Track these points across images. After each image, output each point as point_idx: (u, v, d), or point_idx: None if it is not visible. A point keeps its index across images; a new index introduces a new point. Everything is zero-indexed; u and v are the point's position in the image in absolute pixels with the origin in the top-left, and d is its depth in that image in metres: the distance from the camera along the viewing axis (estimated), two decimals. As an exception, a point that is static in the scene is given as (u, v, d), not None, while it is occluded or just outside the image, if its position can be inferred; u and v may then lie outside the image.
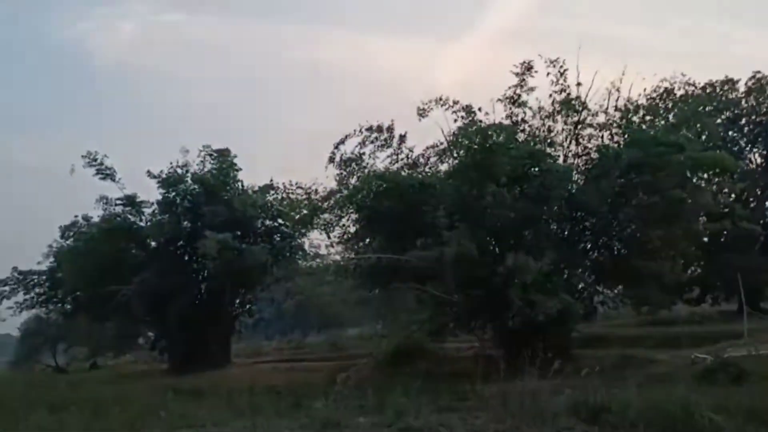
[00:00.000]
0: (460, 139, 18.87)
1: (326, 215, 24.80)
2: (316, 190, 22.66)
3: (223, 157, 32.48)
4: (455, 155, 19.63)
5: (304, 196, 31.43)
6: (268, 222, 33.31)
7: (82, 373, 37.37)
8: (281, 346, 48.06)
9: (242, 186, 32.98)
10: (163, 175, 31.90)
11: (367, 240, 23.45)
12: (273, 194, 33.08)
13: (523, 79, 20.54)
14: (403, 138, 20.92)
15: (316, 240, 32.10)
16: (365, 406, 14.10)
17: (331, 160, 21.47)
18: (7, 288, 33.21)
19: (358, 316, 49.81)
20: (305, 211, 29.65)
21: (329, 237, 28.86)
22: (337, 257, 28.50)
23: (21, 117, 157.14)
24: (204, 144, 32.64)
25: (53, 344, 45.01)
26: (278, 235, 33.30)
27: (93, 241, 31.37)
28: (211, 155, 32.47)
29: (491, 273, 18.01)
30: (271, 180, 33.21)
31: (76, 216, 33.05)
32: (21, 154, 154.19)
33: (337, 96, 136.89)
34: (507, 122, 20.34)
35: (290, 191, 32.69)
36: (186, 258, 32.66)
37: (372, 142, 20.87)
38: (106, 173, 31.37)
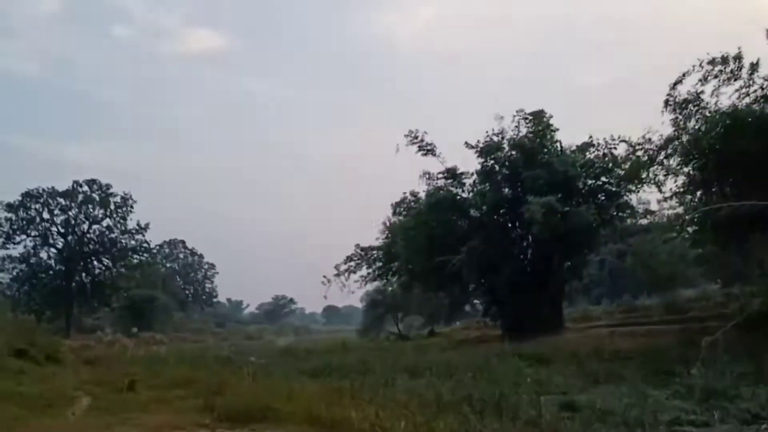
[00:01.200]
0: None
1: (656, 168, 22.78)
2: (650, 139, 20.57)
3: (538, 119, 31.69)
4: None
5: (629, 150, 29.51)
6: (590, 181, 31.72)
7: (423, 339, 39.88)
8: (610, 310, 46.06)
9: (561, 147, 31.86)
10: (481, 145, 32.19)
11: (714, 189, 20.86)
12: (593, 151, 31.46)
13: None
14: (755, 66, 17.91)
15: (644, 196, 30.04)
16: (745, 373, 12.35)
17: (667, 103, 19.29)
18: (352, 263, 36.60)
19: (696, 276, 45.57)
20: (632, 165, 27.86)
21: (661, 191, 26.51)
22: (674, 211, 26.20)
23: (340, 111, 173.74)
24: (517, 109, 32.16)
25: (394, 313, 49.02)
26: (602, 194, 31.59)
27: (421, 215, 33.17)
28: (525, 119, 31.87)
29: None
30: (590, 137, 31.55)
31: (404, 193, 34.99)
32: (341, 146, 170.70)
33: (635, 44, 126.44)
34: None
35: (612, 146, 30.95)
36: (510, 225, 32.72)
37: (715, 76, 18.25)
38: (428, 149, 32.71)
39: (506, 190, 32.11)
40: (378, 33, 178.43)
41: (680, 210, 28.42)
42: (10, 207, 55.61)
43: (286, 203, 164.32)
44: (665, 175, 22.19)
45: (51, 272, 58.94)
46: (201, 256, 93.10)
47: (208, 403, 10.04)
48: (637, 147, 21.01)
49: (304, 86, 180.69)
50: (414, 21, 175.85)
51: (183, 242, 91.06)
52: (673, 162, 19.84)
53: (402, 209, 35.32)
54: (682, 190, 22.76)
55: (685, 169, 20.04)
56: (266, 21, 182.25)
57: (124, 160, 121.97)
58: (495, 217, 32.77)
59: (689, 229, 30.81)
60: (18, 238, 56.54)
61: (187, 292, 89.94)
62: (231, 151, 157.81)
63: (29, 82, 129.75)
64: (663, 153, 19.79)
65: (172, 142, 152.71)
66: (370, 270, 36.89)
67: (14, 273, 59.59)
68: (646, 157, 21.10)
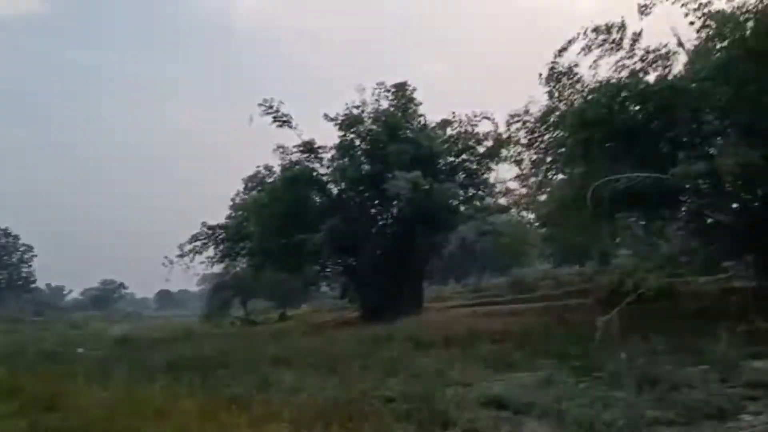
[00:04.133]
0: (724, 27, 15.18)
1: (516, 147, 22.39)
2: (527, 111, 19.74)
3: (400, 91, 30.34)
4: (717, 48, 15.95)
5: (492, 128, 29.10)
6: (451, 158, 30.99)
7: (274, 324, 37.60)
8: (459, 290, 46.36)
9: (425, 122, 30.76)
10: (340, 117, 30.37)
11: (583, 165, 20.48)
12: (456, 128, 30.76)
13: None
14: (637, 36, 17.43)
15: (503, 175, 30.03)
16: (660, 353, 11.49)
17: (551, 73, 18.45)
18: (198, 243, 33.41)
19: (535, 256, 47.12)
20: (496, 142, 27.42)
21: (520, 168, 26.23)
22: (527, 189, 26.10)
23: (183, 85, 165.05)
24: (378, 81, 30.62)
25: (241, 297, 46.08)
26: (463, 171, 31.00)
27: (275, 192, 30.86)
28: (387, 91, 30.41)
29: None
30: (453, 113, 30.78)
31: (257, 167, 32.39)
32: (189, 120, 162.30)
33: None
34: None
35: (474, 123, 30.43)
36: (371, 202, 31.27)
37: (600, 45, 17.58)
38: (283, 120, 30.35)
39: (367, 165, 30.57)
40: (215, 8, 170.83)
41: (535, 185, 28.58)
42: None
43: (117, 181, 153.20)
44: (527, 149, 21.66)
45: None
46: (16, 238, 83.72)
47: (36, 428, 7.28)
48: (514, 119, 20.01)
49: (139, 59, 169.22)
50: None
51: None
52: (552, 135, 19.01)
53: (255, 185, 32.69)
54: (549, 167, 22.29)
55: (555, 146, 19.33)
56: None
57: None
58: (354, 194, 31.19)
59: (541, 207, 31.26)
60: None
61: (0, 277, 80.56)
62: (55, 126, 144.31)
63: None
64: (542, 124, 18.90)
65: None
66: (219, 249, 33.84)
67: None
68: (521, 131, 20.19)
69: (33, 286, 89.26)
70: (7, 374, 12.51)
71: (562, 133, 19.15)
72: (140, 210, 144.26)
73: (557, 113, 18.98)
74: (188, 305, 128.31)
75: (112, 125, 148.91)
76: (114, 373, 14.38)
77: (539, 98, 19.61)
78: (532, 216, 35.90)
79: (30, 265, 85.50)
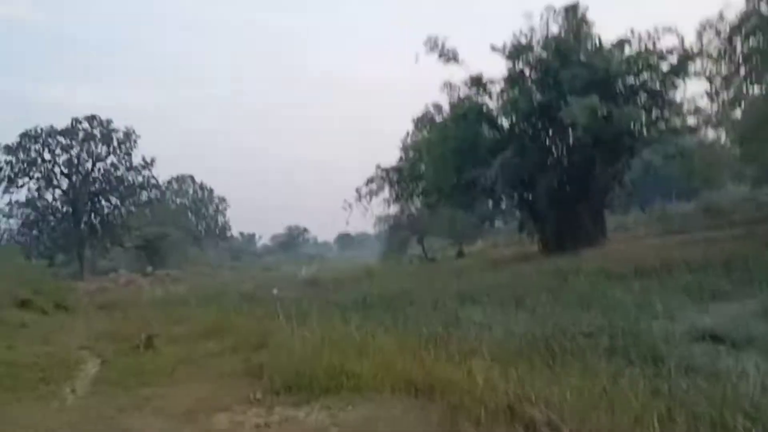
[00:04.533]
0: None
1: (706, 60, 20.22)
2: (721, 17, 17.72)
3: (572, 13, 28.53)
4: None
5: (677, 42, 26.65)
6: (631, 79, 28.83)
7: (452, 261, 37.91)
8: (643, 219, 43.80)
9: (599, 42, 28.78)
10: (508, 47, 29.24)
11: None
12: (634, 46, 28.48)
13: None
14: None
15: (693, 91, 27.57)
16: None
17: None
18: (374, 185, 34.18)
19: (735, 176, 43.24)
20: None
21: (711, 83, 23.93)
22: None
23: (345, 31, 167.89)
24: (546, 5, 28.97)
25: (420, 236, 46.86)
26: (645, 92, 28.78)
27: (446, 129, 30.68)
28: (558, 14, 28.73)
29: None
30: (631, 30, 28.47)
31: (426, 105, 32.22)
32: (348, 68, 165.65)
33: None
34: None
35: (655, 39, 28.04)
36: (545, 133, 30.10)
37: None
38: (450, 56, 29.87)
39: (538, 95, 29.32)
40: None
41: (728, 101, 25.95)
42: (8, 149, 52.87)
43: (294, 130, 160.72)
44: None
45: (58, 214, 56.87)
46: (211, 191, 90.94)
47: (250, 364, 7.80)
48: (706, 28, 18.06)
49: (304, 10, 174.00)
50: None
51: (192, 177, 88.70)
52: (753, 42, 16.94)
53: (424, 124, 32.59)
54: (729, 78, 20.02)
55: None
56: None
57: (121, 98, 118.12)
58: (527, 125, 30.16)
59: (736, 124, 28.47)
60: (21, 181, 54.11)
61: (199, 227, 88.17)
62: (234, 82, 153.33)
63: (18, 24, 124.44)
64: (739, 32, 16.88)
65: (169, 76, 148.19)
66: (393, 191, 34.43)
67: (23, 218, 57.68)
68: (713, 42, 18.21)
69: (228, 234, 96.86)
70: (216, 315, 13.53)
71: (764, 39, 17.08)
72: (317, 158, 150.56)
73: (758, 16, 16.87)
74: (367, 246, 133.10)
75: (286, 75, 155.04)
76: (309, 312, 15.23)
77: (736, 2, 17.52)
78: (724, 135, 32.96)
79: (224, 215, 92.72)
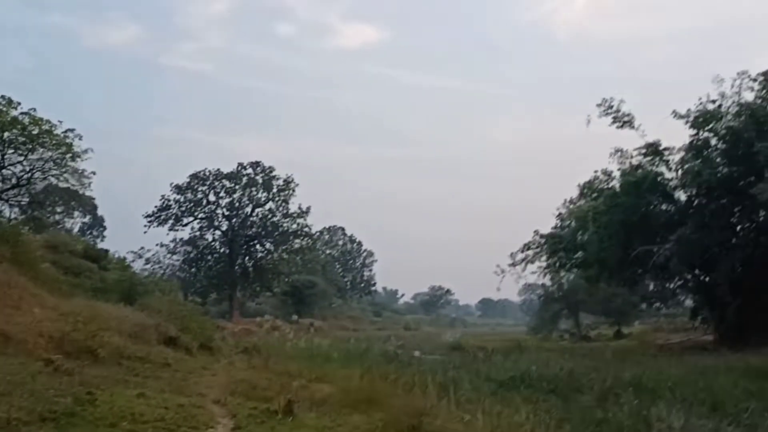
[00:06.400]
0: None
1: None
2: None
3: (770, 80, 25.70)
4: None
5: None
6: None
7: (608, 341, 34.91)
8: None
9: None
10: (693, 114, 26.77)
11: None
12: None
13: None
14: None
15: None
16: None
17: None
18: (530, 252, 32.21)
19: None
20: None
21: None
22: None
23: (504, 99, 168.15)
24: (739, 71, 26.34)
25: (572, 310, 43.87)
26: None
27: (614, 198, 28.55)
28: (753, 80, 26.01)
29: None
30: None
31: (595, 171, 30.13)
32: (513, 132, 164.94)
33: None
34: None
35: None
36: (729, 209, 27.07)
37: None
38: (624, 120, 27.97)
39: (725, 167, 26.52)
40: (536, 20, 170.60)
41: None
42: (178, 189, 56.26)
43: (446, 193, 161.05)
44: None
45: (216, 254, 59.42)
46: (360, 244, 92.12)
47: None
48: None
49: (461, 76, 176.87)
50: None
51: (342, 229, 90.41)
52: None
53: (591, 191, 30.41)
54: None
55: None
56: (422, 12, 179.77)
57: (286, 149, 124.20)
58: (708, 200, 27.25)
59: None
60: (186, 220, 57.23)
61: (345, 279, 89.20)
62: (391, 141, 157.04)
63: (202, 79, 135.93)
64: None
65: (332, 132, 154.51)
66: (552, 260, 32.24)
67: (185, 255, 60.81)
68: None
69: (372, 288, 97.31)
70: (361, 379, 12.38)
71: None
72: (467, 220, 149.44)
73: None
74: (509, 314, 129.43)
75: (435, 140, 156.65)
76: (460, 384, 13.70)
77: None
78: None
79: (371, 269, 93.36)
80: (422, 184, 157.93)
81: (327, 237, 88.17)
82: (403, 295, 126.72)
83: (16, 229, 24.58)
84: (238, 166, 57.79)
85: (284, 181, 58.20)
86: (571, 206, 31.95)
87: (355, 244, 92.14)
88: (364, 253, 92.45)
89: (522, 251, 32.29)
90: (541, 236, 31.97)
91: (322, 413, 8.69)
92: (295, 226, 59.50)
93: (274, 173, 58.17)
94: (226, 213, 58.23)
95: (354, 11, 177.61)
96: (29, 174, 29.64)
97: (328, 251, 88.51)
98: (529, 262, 32.43)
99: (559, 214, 33.13)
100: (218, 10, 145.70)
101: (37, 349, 11.43)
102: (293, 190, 58.53)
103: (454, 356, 25.55)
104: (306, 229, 60.46)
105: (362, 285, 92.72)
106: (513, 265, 32.39)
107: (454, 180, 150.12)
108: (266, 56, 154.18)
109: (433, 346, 32.53)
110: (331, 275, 77.89)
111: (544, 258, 32.32)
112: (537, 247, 32.11)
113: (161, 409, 7.75)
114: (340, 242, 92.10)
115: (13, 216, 31.22)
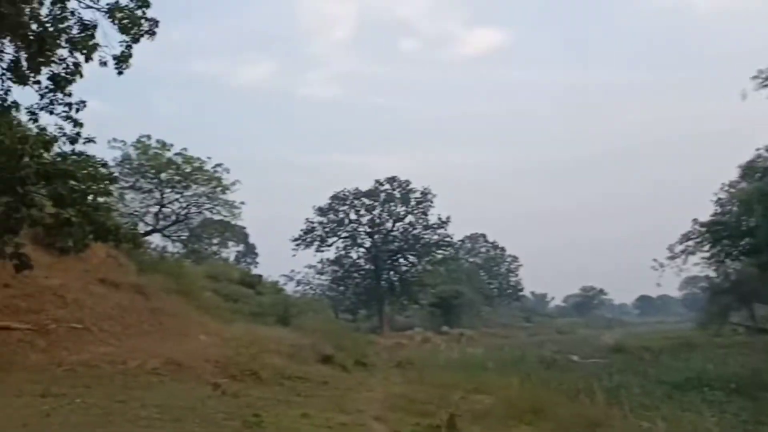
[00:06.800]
0: None
1: None
2: None
3: None
4: None
5: None
6: None
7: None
8: None
9: None
10: None
11: None
12: None
13: None
14: None
15: None
16: None
17: None
18: (690, 243, 29.98)
19: None
20: None
21: None
22: None
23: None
24: None
25: (745, 301, 40.13)
26: None
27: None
28: None
29: None
30: None
31: (756, 149, 27.59)
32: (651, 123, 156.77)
33: None
34: None
35: None
36: None
37: None
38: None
39: None
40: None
41: None
42: (321, 211, 57.94)
43: (587, 191, 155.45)
44: None
45: (362, 271, 60.43)
46: (503, 249, 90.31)
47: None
48: None
49: (589, 68, 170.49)
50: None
51: (484, 236, 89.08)
52: None
53: (754, 172, 27.82)
54: None
55: None
56: (543, 10, 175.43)
57: (420, 162, 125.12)
58: None
59: None
60: (330, 240, 58.71)
61: (491, 286, 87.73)
62: (529, 143, 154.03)
63: (329, 103, 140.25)
64: None
65: (467, 140, 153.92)
66: (716, 249, 29.81)
67: (332, 275, 62.39)
68: None
69: (520, 294, 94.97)
70: (521, 387, 11.85)
71: None
72: (615, 216, 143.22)
73: None
74: (670, 310, 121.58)
75: (574, 138, 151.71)
76: (628, 388, 12.80)
77: None
78: None
79: (516, 275, 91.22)
80: (564, 184, 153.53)
81: (469, 245, 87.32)
82: (553, 298, 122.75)
83: (180, 263, 26.23)
84: (375, 184, 58.65)
85: (421, 193, 58.34)
86: (732, 190, 29.43)
87: (498, 250, 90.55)
88: (509, 259, 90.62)
89: (681, 243, 30.16)
90: (701, 225, 29.68)
91: (487, 427, 8.27)
92: (436, 237, 59.39)
93: (410, 186, 58.48)
94: (368, 230, 59.12)
95: (477, 17, 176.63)
96: (186, 210, 31.60)
97: (471, 259, 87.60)
98: (690, 254, 30.25)
99: (719, 199, 30.66)
100: (341, 36, 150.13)
101: (205, 374, 11.91)
102: (431, 202, 58.55)
103: (616, 359, 24.25)
104: (447, 239, 60.20)
105: (509, 291, 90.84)
106: (672, 258, 30.38)
107: (596, 176, 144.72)
108: (390, 73, 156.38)
109: (591, 350, 31.13)
110: (476, 283, 76.84)
111: (706, 248, 29.99)
112: (697, 237, 29.85)
113: (325, 429, 7.70)
114: (483, 249, 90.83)
115: (175, 250, 33.38)
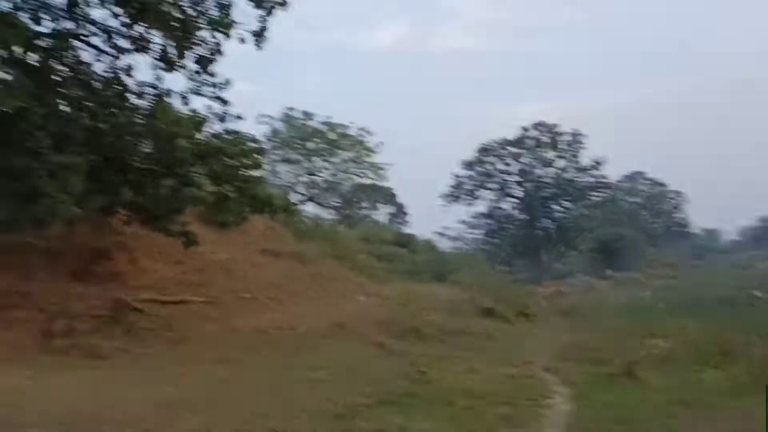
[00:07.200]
0: None
1: None
2: None
3: None
4: None
5: None
6: None
7: None
8: None
9: None
10: None
11: None
12: None
13: None
14: None
15: None
16: None
17: None
18: None
19: None
20: None
21: None
22: None
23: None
24: None
25: None
26: None
27: None
28: None
29: None
30: None
31: None
32: None
33: None
34: None
35: None
36: None
37: None
38: None
39: None
40: None
41: None
42: (468, 164, 57.45)
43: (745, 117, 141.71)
44: None
45: (516, 222, 59.39)
46: (664, 185, 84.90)
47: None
48: None
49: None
50: None
51: (642, 174, 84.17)
52: None
53: None
54: None
55: None
56: None
57: (568, 106, 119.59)
58: None
59: None
60: (479, 193, 58.12)
61: (655, 225, 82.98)
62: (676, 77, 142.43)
63: (469, 54, 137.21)
64: None
65: (615, 77, 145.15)
66: None
67: (486, 228, 61.91)
68: None
69: (688, 231, 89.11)
70: (703, 329, 10.92)
71: None
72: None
73: None
74: None
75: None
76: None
77: None
78: None
79: (682, 211, 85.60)
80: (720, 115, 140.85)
81: (627, 185, 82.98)
82: (727, 233, 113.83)
83: (334, 228, 27.02)
84: (521, 131, 57.13)
85: (571, 135, 56.12)
86: None
87: (659, 187, 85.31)
88: (672, 195, 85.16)
89: None
90: None
91: (669, 372, 7.66)
92: (590, 179, 57.08)
93: (558, 129, 56.42)
94: (518, 179, 57.91)
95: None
96: (335, 176, 32.47)
97: (630, 200, 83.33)
98: None
99: None
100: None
101: (368, 334, 12.13)
102: (582, 144, 56.19)
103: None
104: (603, 181, 57.67)
105: (675, 229, 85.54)
106: None
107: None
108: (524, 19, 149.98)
109: (776, 283, 28.53)
110: (639, 224, 73.06)
111: None
112: None
113: (494, 383, 7.48)
114: (643, 188, 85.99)
115: (329, 217, 34.49)
